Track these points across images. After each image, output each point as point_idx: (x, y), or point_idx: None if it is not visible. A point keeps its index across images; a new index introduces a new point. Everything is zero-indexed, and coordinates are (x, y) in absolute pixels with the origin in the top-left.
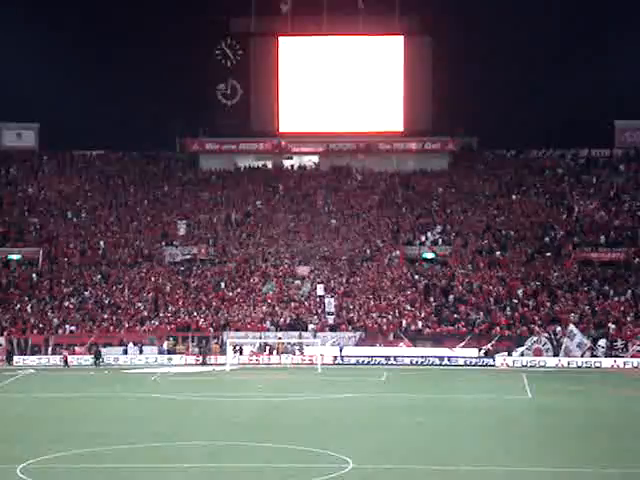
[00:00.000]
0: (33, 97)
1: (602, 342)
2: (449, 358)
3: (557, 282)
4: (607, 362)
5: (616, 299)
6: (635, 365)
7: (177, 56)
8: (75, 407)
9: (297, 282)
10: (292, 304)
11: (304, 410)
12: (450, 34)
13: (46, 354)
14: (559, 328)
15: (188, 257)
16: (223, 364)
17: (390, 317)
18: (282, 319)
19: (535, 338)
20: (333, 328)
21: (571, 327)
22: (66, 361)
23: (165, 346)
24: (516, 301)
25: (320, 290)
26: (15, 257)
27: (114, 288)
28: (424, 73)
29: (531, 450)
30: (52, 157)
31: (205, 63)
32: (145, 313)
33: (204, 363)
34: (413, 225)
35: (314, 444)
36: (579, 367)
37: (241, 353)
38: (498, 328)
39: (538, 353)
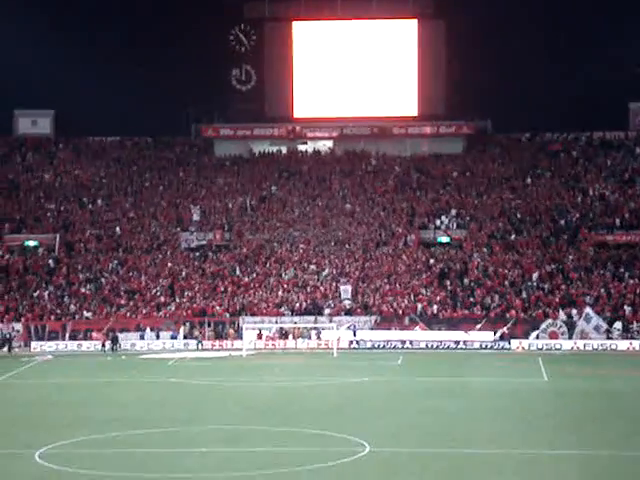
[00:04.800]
0: (48, 84)
1: (618, 325)
2: (465, 342)
3: (572, 265)
4: (623, 344)
5: (631, 281)
6: None
7: (192, 41)
8: (92, 392)
9: (312, 267)
10: (307, 289)
11: (320, 394)
12: (464, 17)
13: (63, 340)
14: (575, 311)
15: (204, 243)
16: (239, 349)
17: (405, 301)
18: (298, 304)
19: (550, 321)
20: (348, 312)
21: (587, 310)
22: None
23: (181, 331)
24: (531, 284)
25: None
26: (32, 244)
27: (130, 274)
28: (438, 57)
29: (547, 433)
30: (67, 144)
31: (219, 48)
32: (161, 299)
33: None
34: (428, 209)
35: (331, 428)
36: (595, 350)
37: (260, 338)
38: (514, 311)
39: (554, 336)
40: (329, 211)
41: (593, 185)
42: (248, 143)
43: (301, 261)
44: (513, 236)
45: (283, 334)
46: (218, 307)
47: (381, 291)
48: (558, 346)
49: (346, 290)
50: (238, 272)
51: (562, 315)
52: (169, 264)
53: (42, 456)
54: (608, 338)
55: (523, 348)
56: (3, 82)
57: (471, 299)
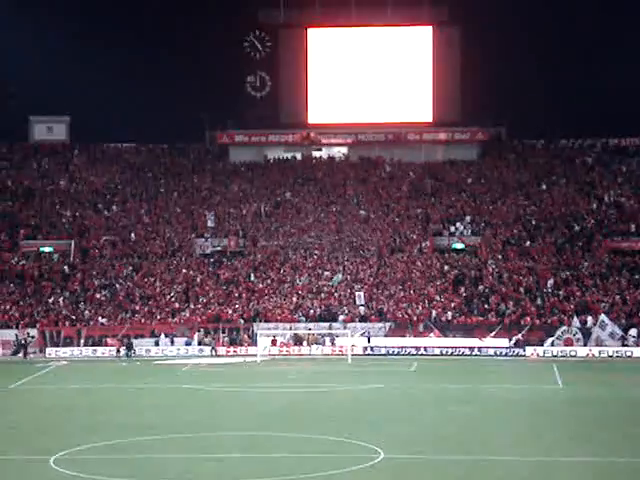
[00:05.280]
0: (63, 90)
1: (633, 331)
2: (479, 348)
3: (587, 271)
4: (638, 351)
5: None
6: None
7: (207, 48)
8: (107, 398)
9: (327, 273)
10: (322, 295)
11: (335, 401)
12: (479, 24)
13: (78, 346)
14: (590, 318)
15: (218, 249)
16: (254, 355)
17: (420, 308)
18: (312, 310)
19: (565, 328)
20: (363, 319)
21: (602, 317)
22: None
23: (196, 337)
24: (546, 291)
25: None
26: (47, 249)
27: (145, 280)
28: (453, 63)
29: (562, 440)
30: (83, 150)
31: (234, 55)
32: (176, 305)
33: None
34: (442, 215)
35: (345, 434)
36: (610, 357)
37: (274, 344)
38: (528, 318)
39: (569, 343)
40: (343, 217)
41: (608, 191)
42: (263, 149)
43: (315, 267)
44: (528, 242)
45: (297, 340)
46: (233, 313)
47: (395, 297)
48: (573, 353)
49: (360, 296)
50: (253, 278)
51: (576, 322)
52: (184, 270)
53: (57, 462)
54: (623, 345)
55: (538, 355)
56: (19, 89)
57: (486, 306)
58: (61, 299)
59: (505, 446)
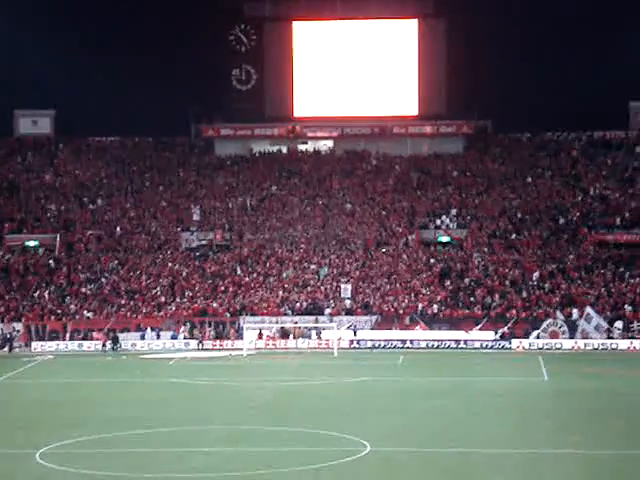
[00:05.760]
0: (48, 84)
1: (618, 324)
2: (465, 341)
3: (573, 264)
4: (623, 344)
5: (632, 281)
6: None
7: (192, 41)
8: (93, 392)
9: (313, 266)
10: (308, 288)
11: (321, 394)
12: (464, 17)
13: (64, 340)
14: (575, 310)
15: (204, 242)
16: (240, 349)
17: (406, 301)
18: (298, 304)
19: (551, 320)
20: (349, 312)
21: (588, 310)
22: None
23: (182, 331)
24: (532, 284)
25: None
26: (32, 244)
27: (131, 274)
28: (438, 56)
29: (548, 432)
30: (68, 143)
31: (219, 48)
32: (162, 299)
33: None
34: (428, 209)
35: (331, 428)
36: (595, 349)
37: (260, 338)
38: (514, 311)
39: (554, 335)
40: (329, 211)
41: (593, 184)
42: (248, 143)
43: (302, 261)
44: (513, 235)
45: (284, 334)
46: (219, 307)
47: (382, 291)
48: (559, 345)
49: (346, 289)
50: (239, 272)
51: (559, 315)
52: (169, 264)
53: (43, 456)
54: (609, 337)
55: (524, 347)
56: (3, 82)
57: (471, 298)
58: (46, 293)
59: (491, 438)
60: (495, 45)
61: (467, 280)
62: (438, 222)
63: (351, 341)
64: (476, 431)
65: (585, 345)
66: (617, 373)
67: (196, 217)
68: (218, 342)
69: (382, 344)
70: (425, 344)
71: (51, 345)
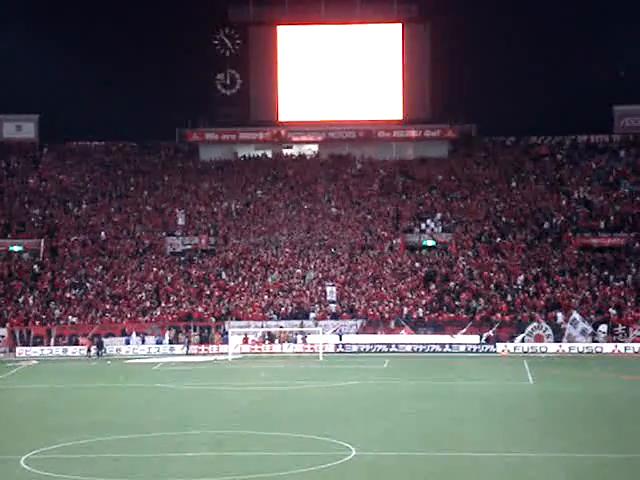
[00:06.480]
0: (32, 88)
1: (603, 327)
2: (450, 345)
3: (557, 268)
4: (608, 347)
5: (616, 284)
6: (636, 350)
7: (176, 46)
8: (78, 397)
9: (298, 271)
10: (293, 293)
11: (306, 398)
12: (448, 21)
13: (48, 345)
14: (560, 314)
15: (189, 247)
16: (225, 353)
17: (391, 305)
18: (283, 308)
19: (536, 324)
20: (334, 316)
21: (574, 315)
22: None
23: (167, 336)
24: (516, 287)
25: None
26: (17, 248)
27: (116, 279)
28: (423, 61)
29: (533, 436)
30: (52, 148)
31: (204, 53)
32: (147, 303)
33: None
34: (413, 213)
35: (316, 432)
36: (580, 353)
37: (246, 342)
38: (499, 315)
39: (539, 339)
40: (314, 215)
41: (578, 188)
42: (233, 147)
43: (287, 265)
44: (498, 239)
45: (269, 338)
46: (204, 312)
47: (367, 295)
48: (544, 349)
49: (332, 291)
50: (224, 276)
51: (540, 319)
52: (154, 269)
53: (28, 461)
54: (594, 341)
55: (509, 351)
56: None
57: (456, 302)
58: (31, 298)
59: (476, 442)
60: (479, 49)
61: (452, 284)
62: (423, 226)
63: (336, 345)
64: (461, 435)
65: (570, 349)
66: (602, 377)
67: (181, 222)
68: (203, 347)
69: (367, 348)
70: (410, 348)
71: (35, 350)
